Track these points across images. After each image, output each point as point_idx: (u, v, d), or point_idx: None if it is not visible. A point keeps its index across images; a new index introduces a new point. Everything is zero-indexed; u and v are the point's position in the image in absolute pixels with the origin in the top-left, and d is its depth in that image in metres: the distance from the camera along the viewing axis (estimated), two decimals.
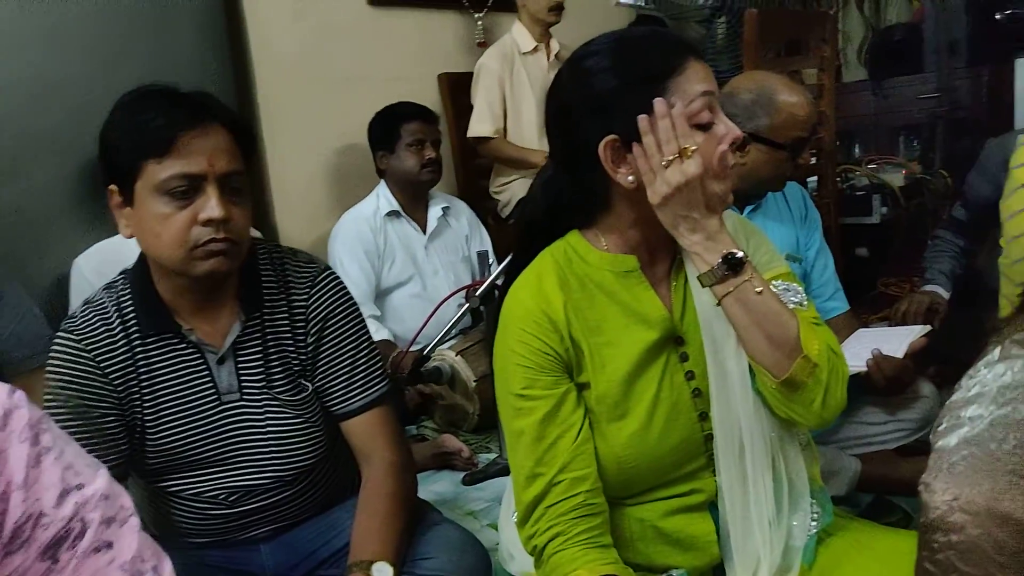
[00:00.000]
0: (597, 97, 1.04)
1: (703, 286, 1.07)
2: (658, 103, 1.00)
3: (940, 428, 0.55)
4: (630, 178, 1.04)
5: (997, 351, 0.55)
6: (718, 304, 1.07)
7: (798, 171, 1.83)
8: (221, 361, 1.27)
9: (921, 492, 0.53)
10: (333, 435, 1.36)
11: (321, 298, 1.32)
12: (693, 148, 1.01)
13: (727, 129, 1.04)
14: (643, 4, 4.19)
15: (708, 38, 3.99)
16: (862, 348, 1.78)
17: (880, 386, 1.76)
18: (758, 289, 1.04)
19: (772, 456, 1.11)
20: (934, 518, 0.51)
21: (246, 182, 1.23)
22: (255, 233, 1.37)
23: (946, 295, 2.33)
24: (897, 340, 1.81)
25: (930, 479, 0.53)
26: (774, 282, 1.14)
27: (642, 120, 1.01)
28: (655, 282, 1.14)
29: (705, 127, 1.03)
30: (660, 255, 1.14)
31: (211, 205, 1.16)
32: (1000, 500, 0.49)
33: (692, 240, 1.05)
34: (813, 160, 2.60)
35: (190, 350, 1.27)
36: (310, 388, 1.32)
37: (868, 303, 2.95)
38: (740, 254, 1.04)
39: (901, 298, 2.43)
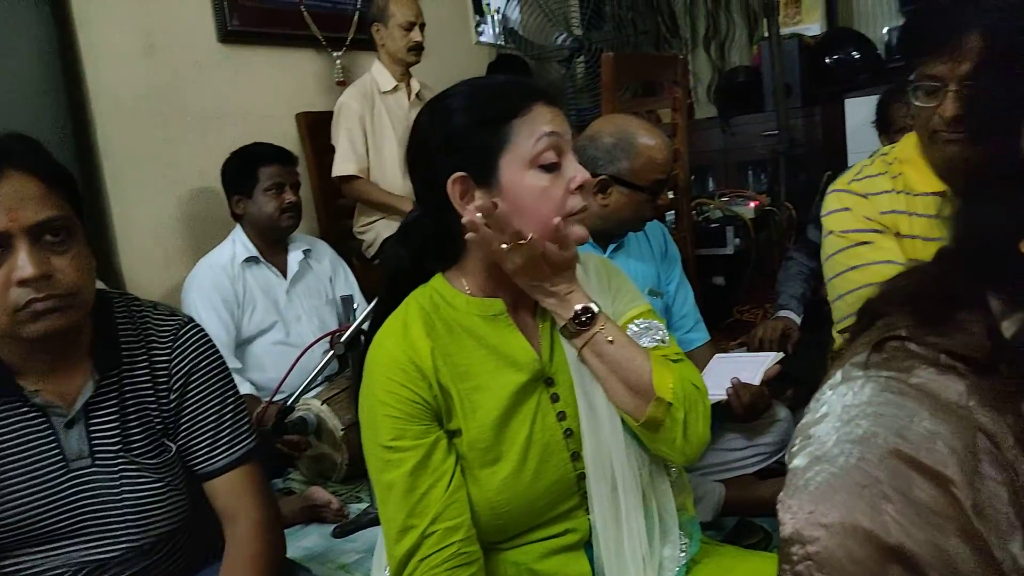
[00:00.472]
0: (448, 135, 1.08)
1: (565, 338, 1.12)
2: (479, 205, 1.05)
3: (793, 449, 0.57)
4: (478, 215, 1.06)
5: (839, 373, 0.58)
6: (579, 355, 1.12)
7: (658, 211, 1.89)
8: (70, 424, 1.17)
9: (779, 510, 0.55)
10: (195, 497, 1.28)
11: (184, 352, 1.25)
12: (523, 240, 1.05)
13: (575, 172, 1.08)
14: (503, 43, 4.28)
15: (568, 77, 4.11)
16: (721, 377, 1.85)
17: (739, 413, 1.82)
18: (610, 339, 1.10)
19: (643, 491, 1.13)
20: (791, 533, 0.53)
21: (76, 227, 1.14)
22: (99, 284, 1.27)
23: (798, 319, 2.46)
24: (753, 368, 1.89)
25: (786, 497, 0.54)
26: (636, 321, 1.19)
27: (468, 220, 1.06)
28: (522, 324, 1.15)
29: (550, 168, 1.06)
30: (525, 297, 1.14)
31: (21, 263, 1.06)
32: (851, 511, 0.50)
33: (548, 302, 1.12)
34: (671, 196, 2.71)
35: (33, 414, 1.16)
36: (173, 449, 1.23)
37: (725, 330, 3.08)
38: (593, 309, 1.11)
39: (756, 324, 2.54)
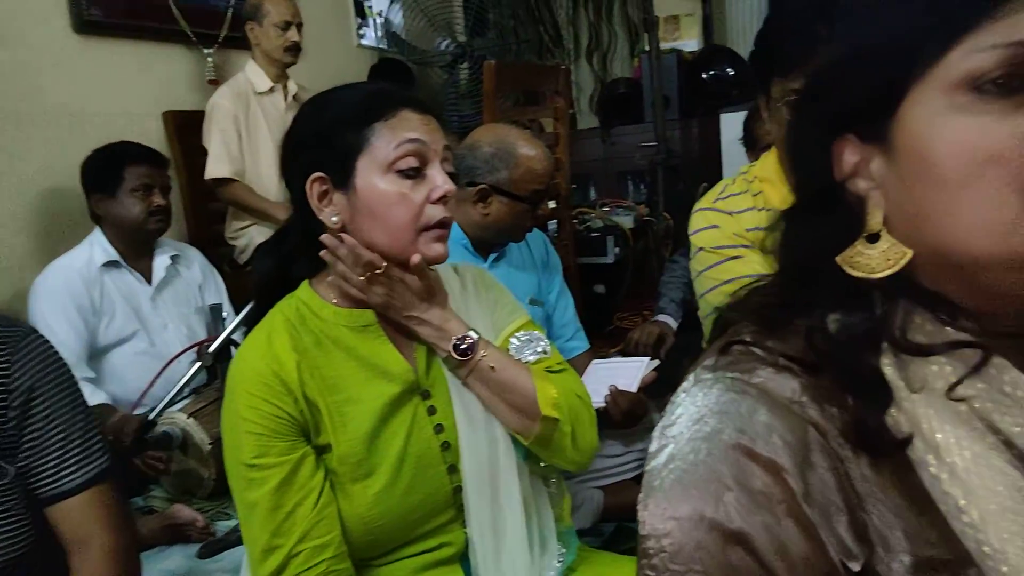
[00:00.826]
0: (314, 132, 1.07)
1: (448, 368, 1.12)
2: (326, 239, 1.05)
3: (652, 450, 0.60)
4: (334, 218, 1.05)
5: (692, 377, 0.62)
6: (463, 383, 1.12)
7: (537, 221, 1.89)
8: None
9: (639, 511, 0.58)
10: (39, 524, 1.17)
11: (26, 366, 1.14)
12: (379, 269, 1.05)
13: (440, 182, 1.06)
14: (386, 47, 4.21)
15: (451, 83, 4.08)
16: (599, 384, 1.86)
17: (617, 420, 1.84)
18: (492, 365, 1.10)
19: (524, 503, 1.12)
20: (648, 530, 0.57)
21: None
22: None
23: (675, 324, 2.51)
24: (629, 374, 1.91)
25: (644, 497, 0.58)
26: (517, 334, 1.19)
27: (324, 253, 1.06)
28: (394, 335, 1.12)
29: (409, 174, 1.05)
30: None
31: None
32: (698, 503, 0.55)
33: (424, 333, 1.11)
34: (552, 205, 2.72)
35: None
36: (12, 472, 1.12)
37: (607, 337, 3.13)
38: (472, 337, 1.10)
39: (633, 329, 2.58)
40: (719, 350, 0.62)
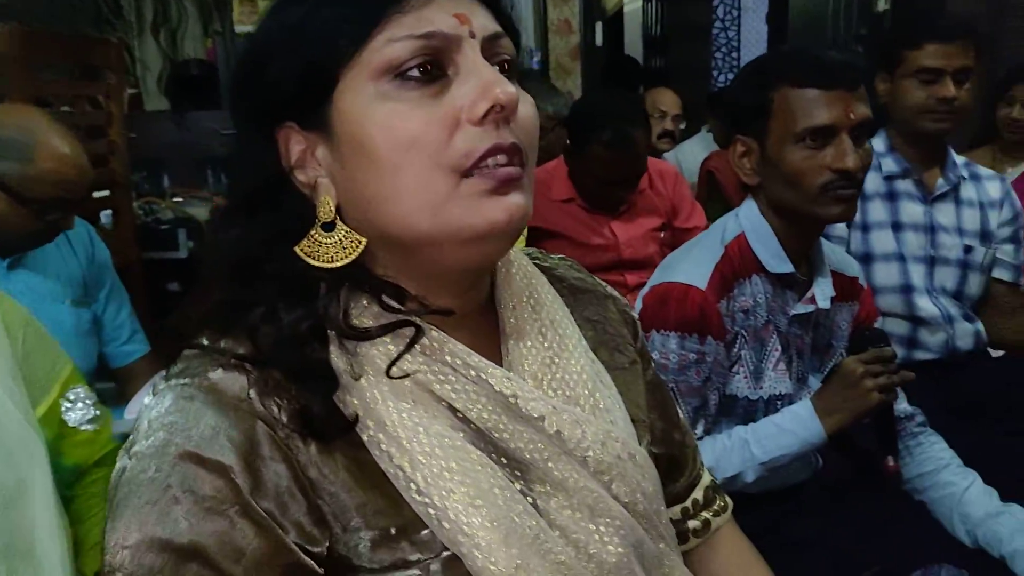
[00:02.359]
0: None
1: None
2: None
3: (113, 475, 0.58)
4: None
5: (152, 389, 0.61)
6: None
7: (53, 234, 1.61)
8: None
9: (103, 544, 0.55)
10: None
11: None
12: None
13: None
14: None
15: None
16: None
17: None
18: None
19: None
20: (107, 564, 0.54)
21: None
22: None
23: None
24: None
25: (105, 531, 0.55)
26: (67, 393, 1.05)
27: None
28: None
29: None
30: None
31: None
32: (147, 525, 0.53)
33: None
34: (104, 193, 2.42)
35: None
36: None
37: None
38: None
39: None
40: (171, 358, 0.61)
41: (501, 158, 0.59)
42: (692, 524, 0.90)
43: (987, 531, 1.32)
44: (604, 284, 0.88)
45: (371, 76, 0.59)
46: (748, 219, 1.35)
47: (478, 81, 0.59)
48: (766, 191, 1.32)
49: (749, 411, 1.34)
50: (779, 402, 1.34)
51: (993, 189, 1.88)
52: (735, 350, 1.32)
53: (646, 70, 5.73)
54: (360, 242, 0.62)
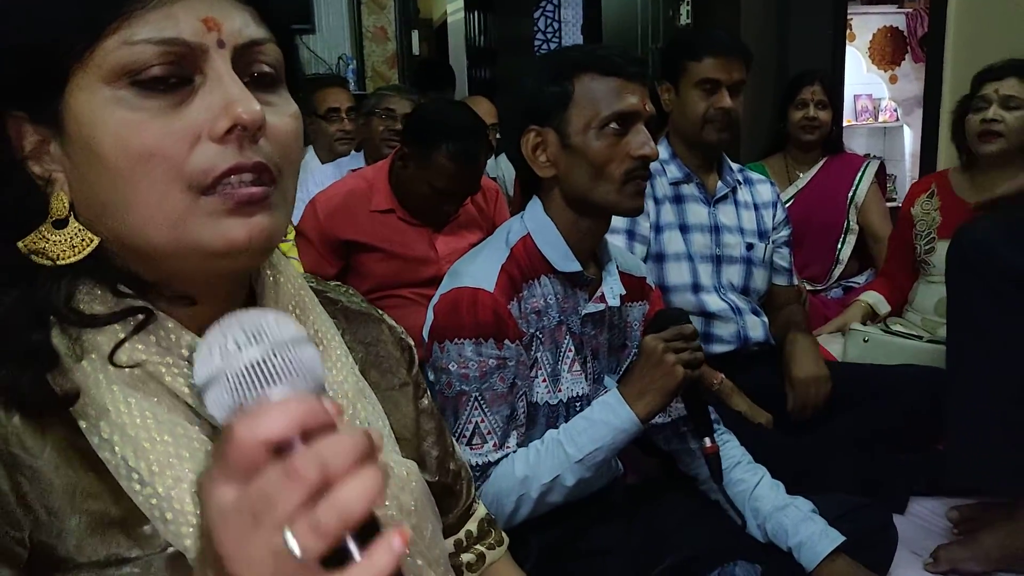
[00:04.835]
0: None
1: None
2: None
3: None
4: None
5: None
6: None
7: None
8: None
9: None
10: None
11: None
12: None
13: None
14: None
15: None
16: None
17: None
18: None
19: None
20: None
21: None
22: None
23: None
24: None
25: None
26: None
27: None
28: None
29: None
30: None
31: None
32: None
33: None
34: None
35: None
36: None
37: None
38: None
39: None
40: None
41: (245, 176, 0.56)
42: (466, 557, 0.86)
43: (775, 524, 1.35)
44: (381, 312, 0.85)
45: (105, 78, 0.54)
46: (533, 220, 1.33)
47: (221, 97, 0.55)
48: (561, 184, 1.30)
49: (551, 418, 1.31)
50: (577, 404, 1.32)
51: (765, 192, 2.04)
52: (532, 352, 1.29)
53: (473, 80, 5.75)
54: (92, 240, 0.58)
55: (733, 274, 1.92)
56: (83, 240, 0.58)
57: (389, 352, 0.81)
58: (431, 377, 1.29)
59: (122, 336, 0.58)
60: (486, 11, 6.09)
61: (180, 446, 0.57)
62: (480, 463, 1.23)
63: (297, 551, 0.38)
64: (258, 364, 0.42)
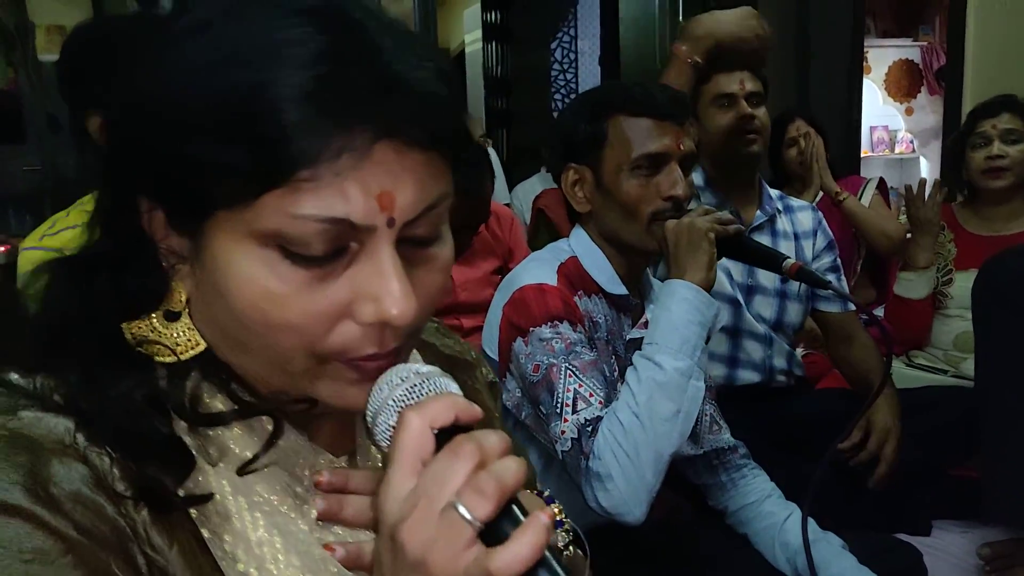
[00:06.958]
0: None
1: None
2: None
3: None
4: None
5: None
6: None
7: None
8: None
9: None
10: None
11: None
12: None
13: None
14: None
15: None
16: None
17: None
18: None
19: None
20: None
21: None
22: None
23: None
24: None
25: None
26: None
27: None
28: None
29: None
30: None
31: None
32: None
33: None
34: None
35: None
36: None
37: None
38: None
39: None
40: None
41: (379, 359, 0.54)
42: None
43: (805, 560, 1.34)
44: (470, 348, 0.84)
45: (255, 236, 0.49)
46: (580, 245, 1.36)
47: (376, 285, 0.51)
48: (596, 220, 1.34)
49: None
50: None
51: (805, 220, 1.95)
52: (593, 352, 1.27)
53: (490, 110, 5.79)
54: (198, 345, 0.55)
55: (764, 306, 1.85)
56: (189, 341, 0.55)
57: (483, 401, 0.79)
58: (510, 386, 1.30)
59: (245, 439, 0.57)
60: (504, 41, 6.15)
61: (302, 560, 0.56)
62: (589, 418, 1.18)
63: (467, 514, 0.44)
64: (414, 388, 0.51)
